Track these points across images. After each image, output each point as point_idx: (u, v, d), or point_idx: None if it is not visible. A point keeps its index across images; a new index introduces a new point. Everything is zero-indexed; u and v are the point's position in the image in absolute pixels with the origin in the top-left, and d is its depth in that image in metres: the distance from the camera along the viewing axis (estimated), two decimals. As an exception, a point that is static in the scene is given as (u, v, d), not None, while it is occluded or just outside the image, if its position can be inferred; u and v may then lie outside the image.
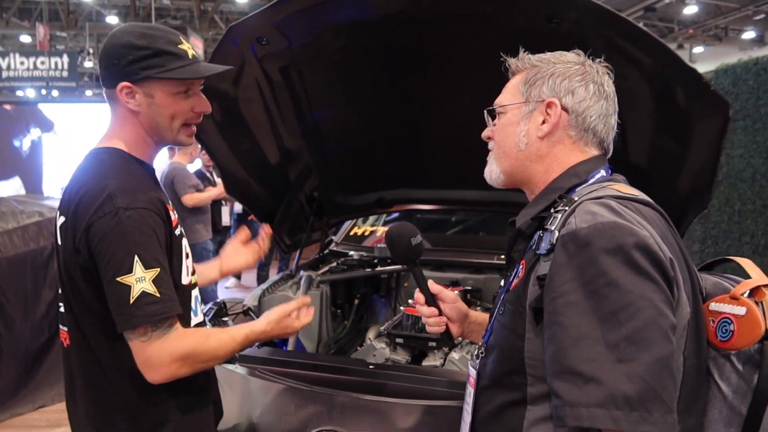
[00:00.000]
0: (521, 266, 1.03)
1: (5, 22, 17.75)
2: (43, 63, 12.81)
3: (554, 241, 0.93)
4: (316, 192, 2.77)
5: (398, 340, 2.20)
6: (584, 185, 1.04)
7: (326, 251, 3.05)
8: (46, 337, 3.78)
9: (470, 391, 1.10)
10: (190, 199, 4.60)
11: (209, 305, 2.33)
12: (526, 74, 1.10)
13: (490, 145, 1.18)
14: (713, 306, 0.99)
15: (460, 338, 1.69)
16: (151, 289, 1.15)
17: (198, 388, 1.33)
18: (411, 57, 2.07)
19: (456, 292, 2.58)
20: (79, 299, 1.23)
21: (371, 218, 3.43)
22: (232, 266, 1.78)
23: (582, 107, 1.06)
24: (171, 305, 1.18)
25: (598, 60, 1.12)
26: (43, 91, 14.11)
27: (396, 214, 3.57)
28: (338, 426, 1.50)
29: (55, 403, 3.71)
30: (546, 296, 0.91)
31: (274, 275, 2.93)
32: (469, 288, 2.73)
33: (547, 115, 1.07)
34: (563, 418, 0.84)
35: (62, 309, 1.32)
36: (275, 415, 1.59)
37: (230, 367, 1.84)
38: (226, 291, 6.69)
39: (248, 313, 2.35)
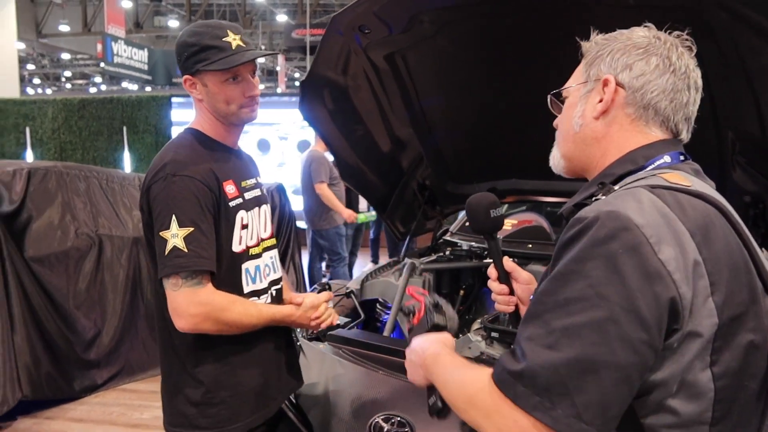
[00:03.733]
0: None
1: (193, 25, 19.96)
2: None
3: None
4: (427, 180, 2.77)
5: (494, 334, 2.13)
6: (641, 173, 0.94)
7: (440, 240, 3.03)
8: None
9: None
10: (320, 188, 4.86)
11: (314, 286, 2.45)
12: (589, 54, 1.03)
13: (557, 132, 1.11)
14: None
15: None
16: (181, 244, 1.31)
17: (244, 350, 1.45)
18: (519, 38, 1.98)
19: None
20: (151, 250, 1.42)
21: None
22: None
23: (640, 82, 0.96)
24: (197, 261, 1.32)
25: (676, 33, 0.99)
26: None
27: (523, 206, 3.45)
28: (402, 412, 1.50)
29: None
30: None
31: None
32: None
33: (603, 93, 0.99)
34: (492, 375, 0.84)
35: None
36: (347, 394, 1.63)
37: (319, 345, 1.93)
38: (363, 275, 6.93)
39: (350, 296, 2.43)
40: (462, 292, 2.71)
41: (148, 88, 17.89)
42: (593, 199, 0.92)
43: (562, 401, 0.75)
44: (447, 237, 3.10)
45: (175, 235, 1.31)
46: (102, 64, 13.42)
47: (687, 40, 1.00)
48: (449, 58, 2.18)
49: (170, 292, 1.34)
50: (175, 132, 8.67)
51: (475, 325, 2.60)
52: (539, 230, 3.21)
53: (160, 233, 1.32)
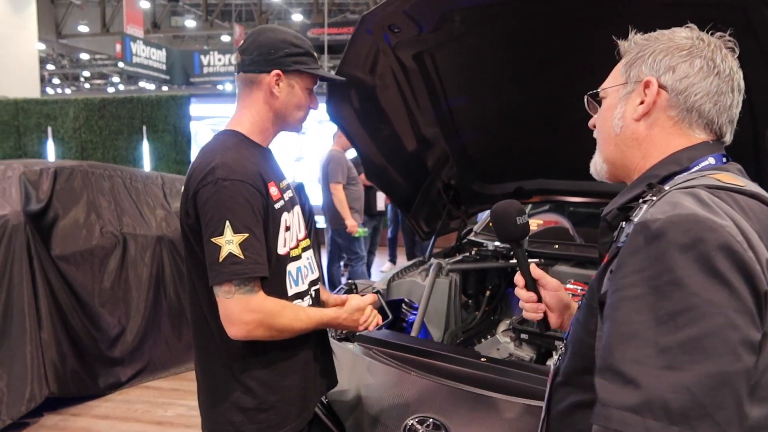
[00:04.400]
0: (604, 260, 0.94)
1: (210, 24, 20.10)
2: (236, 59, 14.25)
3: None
4: (452, 180, 2.75)
5: (523, 335, 2.12)
6: (685, 174, 0.92)
7: (464, 240, 3.02)
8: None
9: (547, 387, 1.04)
10: (335, 188, 4.86)
11: (340, 286, 2.45)
12: (629, 55, 1.02)
13: (595, 134, 1.09)
14: None
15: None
16: (237, 251, 1.28)
17: (292, 353, 1.44)
18: (547, 39, 1.96)
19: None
20: (192, 256, 1.40)
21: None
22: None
23: (683, 84, 0.94)
24: (253, 267, 1.30)
25: (719, 34, 0.98)
26: (229, 86, 15.69)
27: (546, 206, 3.42)
28: (437, 414, 1.49)
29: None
30: (609, 289, 0.83)
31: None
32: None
33: (644, 95, 0.97)
34: (594, 416, 0.77)
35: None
36: (380, 395, 1.62)
37: (349, 345, 1.92)
38: (381, 275, 6.94)
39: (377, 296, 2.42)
40: (488, 292, 2.69)
41: (164, 88, 18.02)
42: (641, 201, 0.90)
43: (702, 424, 0.70)
44: (471, 237, 3.09)
45: (230, 242, 1.28)
46: (121, 64, 13.54)
47: (730, 41, 0.98)
48: (478, 56, 2.17)
49: (223, 300, 1.31)
50: (193, 130, 8.77)
51: (502, 326, 2.59)
52: (563, 231, 3.18)
53: (213, 239, 1.29)
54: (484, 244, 2.86)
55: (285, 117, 1.48)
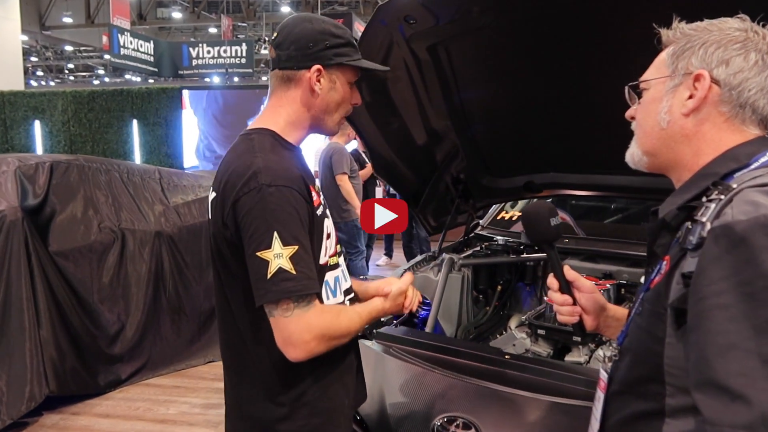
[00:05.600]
0: (665, 262, 0.91)
1: (197, 16, 19.85)
2: (225, 51, 14.07)
3: (705, 235, 0.80)
4: (462, 174, 2.72)
5: (540, 331, 2.10)
6: (745, 171, 0.89)
7: (471, 234, 2.99)
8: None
9: (600, 395, 1.00)
10: (341, 180, 4.80)
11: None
12: (675, 45, 0.97)
13: (633, 125, 1.06)
14: None
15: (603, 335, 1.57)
16: (288, 266, 1.16)
17: (334, 368, 1.34)
18: (565, 31, 1.93)
19: (609, 285, 2.41)
20: (227, 271, 1.28)
21: (520, 203, 3.30)
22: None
23: (737, 79, 0.90)
24: (306, 283, 1.18)
25: None
26: (217, 79, 15.49)
27: (548, 200, 3.41)
28: (466, 413, 1.46)
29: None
30: (691, 296, 0.79)
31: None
32: (624, 282, 2.52)
33: (694, 89, 0.93)
34: None
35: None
36: (404, 395, 1.59)
37: (367, 343, 1.89)
38: (377, 269, 6.92)
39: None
40: (499, 287, 2.67)
41: (150, 80, 17.79)
42: (706, 199, 0.87)
43: None
44: (478, 231, 3.06)
45: (279, 255, 1.15)
46: (108, 56, 13.32)
47: None
48: (493, 48, 2.13)
49: (280, 320, 1.18)
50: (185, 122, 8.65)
51: (514, 321, 2.57)
52: (566, 227, 3.17)
53: (259, 253, 1.16)
54: (494, 239, 2.84)
55: (323, 116, 1.35)
